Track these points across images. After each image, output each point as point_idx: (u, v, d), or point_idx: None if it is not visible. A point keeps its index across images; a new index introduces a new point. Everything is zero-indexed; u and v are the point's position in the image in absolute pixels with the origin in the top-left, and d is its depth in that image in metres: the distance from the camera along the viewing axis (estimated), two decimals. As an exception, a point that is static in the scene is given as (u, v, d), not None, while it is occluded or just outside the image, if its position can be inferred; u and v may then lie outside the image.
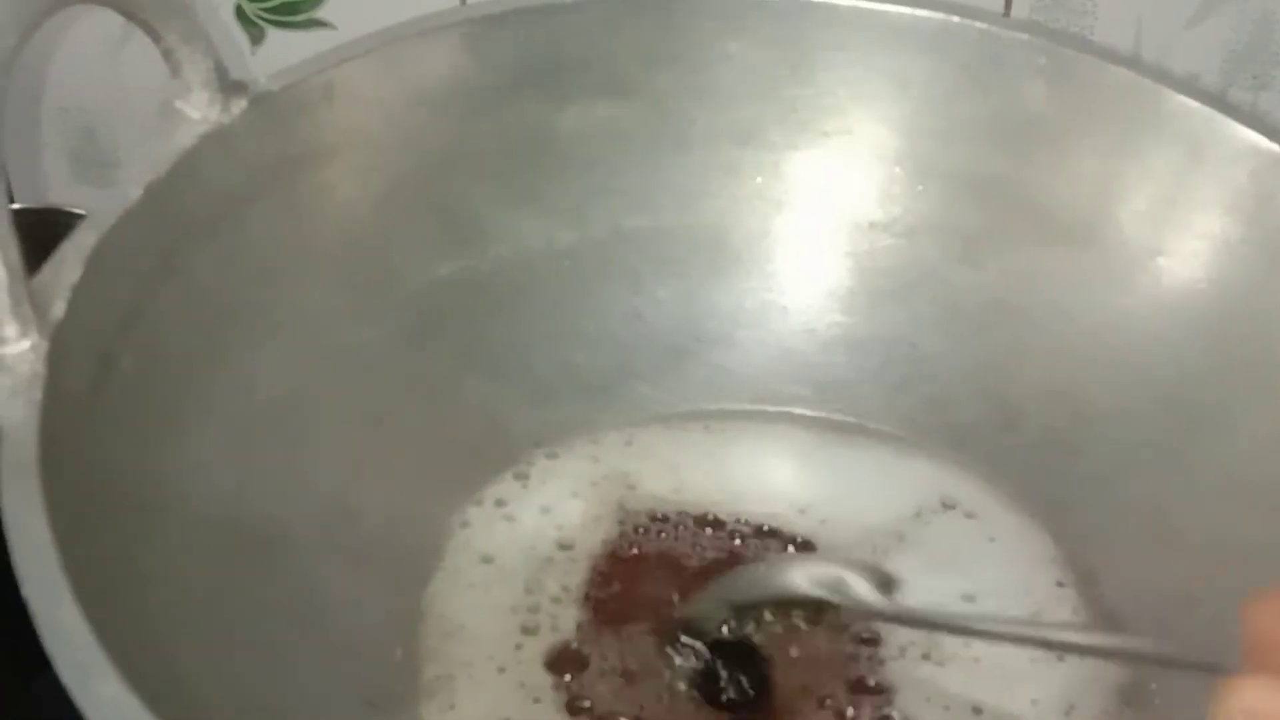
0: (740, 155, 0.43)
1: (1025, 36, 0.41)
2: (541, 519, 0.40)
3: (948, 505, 0.41)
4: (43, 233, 0.31)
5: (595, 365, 0.42)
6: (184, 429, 0.33)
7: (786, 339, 0.44)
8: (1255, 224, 0.39)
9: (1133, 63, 0.41)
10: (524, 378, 0.41)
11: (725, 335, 0.43)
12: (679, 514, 0.40)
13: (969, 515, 0.41)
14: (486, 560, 0.39)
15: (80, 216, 0.32)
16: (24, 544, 0.26)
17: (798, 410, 0.43)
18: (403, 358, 0.39)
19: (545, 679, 0.36)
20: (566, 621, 0.37)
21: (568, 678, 0.36)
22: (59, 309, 0.30)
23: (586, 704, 0.36)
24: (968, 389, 0.42)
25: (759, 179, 0.43)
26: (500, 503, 0.40)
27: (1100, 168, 0.41)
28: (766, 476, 0.42)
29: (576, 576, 0.39)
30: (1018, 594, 0.39)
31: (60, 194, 0.56)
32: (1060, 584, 0.39)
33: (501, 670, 0.36)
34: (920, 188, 0.42)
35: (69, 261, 0.31)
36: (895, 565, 0.39)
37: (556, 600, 0.38)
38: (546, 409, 0.41)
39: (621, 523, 0.40)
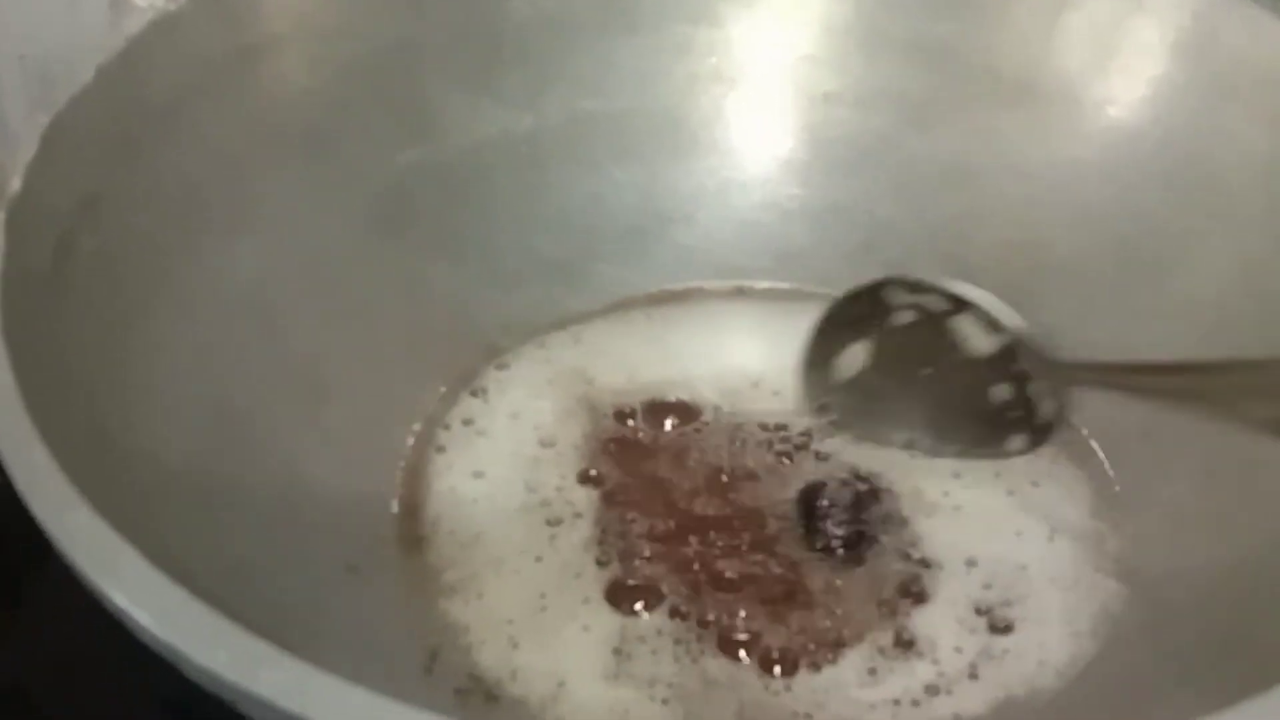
0: (691, 34, 0.43)
1: (964, -103, 0.41)
2: (514, 424, 0.40)
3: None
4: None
5: (559, 248, 0.43)
6: (152, 310, 0.33)
7: (746, 213, 0.44)
8: (1199, 64, 0.39)
9: (1073, -82, 0.41)
10: (489, 262, 0.42)
11: (686, 213, 0.44)
12: (639, 402, 0.41)
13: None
14: (477, 475, 0.39)
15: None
16: (-9, 397, 0.26)
17: (753, 283, 0.44)
18: (368, 245, 0.39)
19: (585, 559, 0.37)
20: (583, 507, 0.38)
21: (606, 556, 0.37)
22: (15, 184, 0.30)
23: (628, 578, 0.36)
24: (927, 251, 0.42)
25: (711, 57, 0.43)
26: (468, 421, 0.40)
27: (1044, 22, 0.41)
28: (714, 355, 0.42)
29: (571, 466, 0.39)
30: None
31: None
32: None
33: (539, 559, 0.37)
34: (871, 56, 0.43)
35: (24, 141, 0.31)
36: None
37: (560, 489, 0.39)
38: (512, 292, 0.42)
39: (591, 413, 0.40)
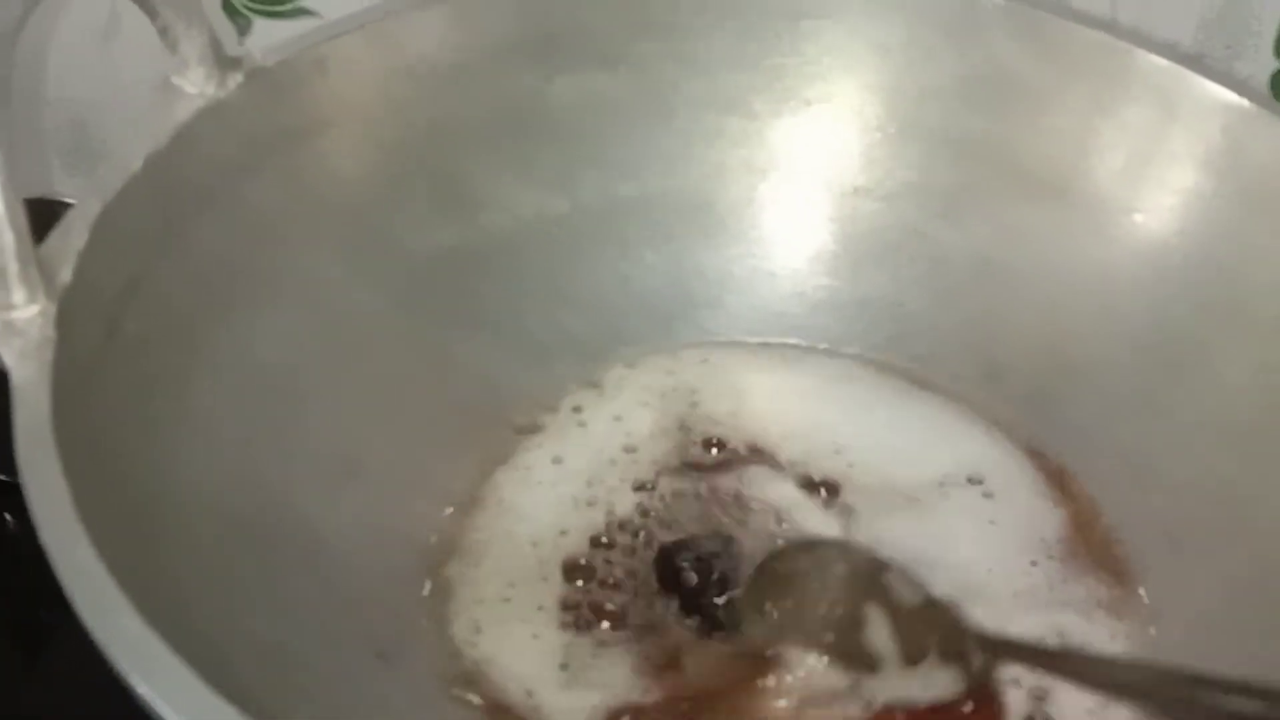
0: (725, 123, 0.44)
1: (1001, 1, 0.41)
2: (613, 426, 0.42)
3: (973, 480, 0.41)
4: (35, 222, 0.32)
5: (588, 330, 0.43)
6: (191, 390, 0.34)
7: (774, 303, 0.44)
8: (1227, 177, 0.40)
9: (1106, 24, 0.42)
10: (519, 342, 0.42)
11: (714, 299, 0.44)
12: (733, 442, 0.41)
13: (988, 495, 0.41)
14: (556, 461, 0.41)
15: (72, 206, 0.33)
16: (40, 493, 0.27)
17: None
18: (401, 323, 0.40)
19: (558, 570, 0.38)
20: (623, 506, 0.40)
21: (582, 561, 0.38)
22: (66, 275, 0.31)
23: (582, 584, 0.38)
24: (954, 345, 0.43)
25: (743, 147, 0.44)
26: (577, 409, 0.42)
27: (1077, 127, 0.42)
28: (818, 414, 0.43)
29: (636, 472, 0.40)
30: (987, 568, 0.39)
31: (51, 185, 0.57)
32: (1034, 563, 0.39)
33: (535, 544, 0.38)
34: (901, 151, 0.43)
35: (74, 229, 0.32)
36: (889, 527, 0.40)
37: (613, 490, 0.40)
38: (541, 372, 0.42)
39: (681, 433, 0.42)
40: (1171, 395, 0.40)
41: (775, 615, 0.37)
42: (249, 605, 0.32)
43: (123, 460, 0.31)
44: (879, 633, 0.36)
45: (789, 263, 0.45)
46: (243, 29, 0.51)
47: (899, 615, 0.37)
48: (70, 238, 0.32)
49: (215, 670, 0.25)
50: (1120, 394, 0.41)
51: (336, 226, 0.39)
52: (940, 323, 0.43)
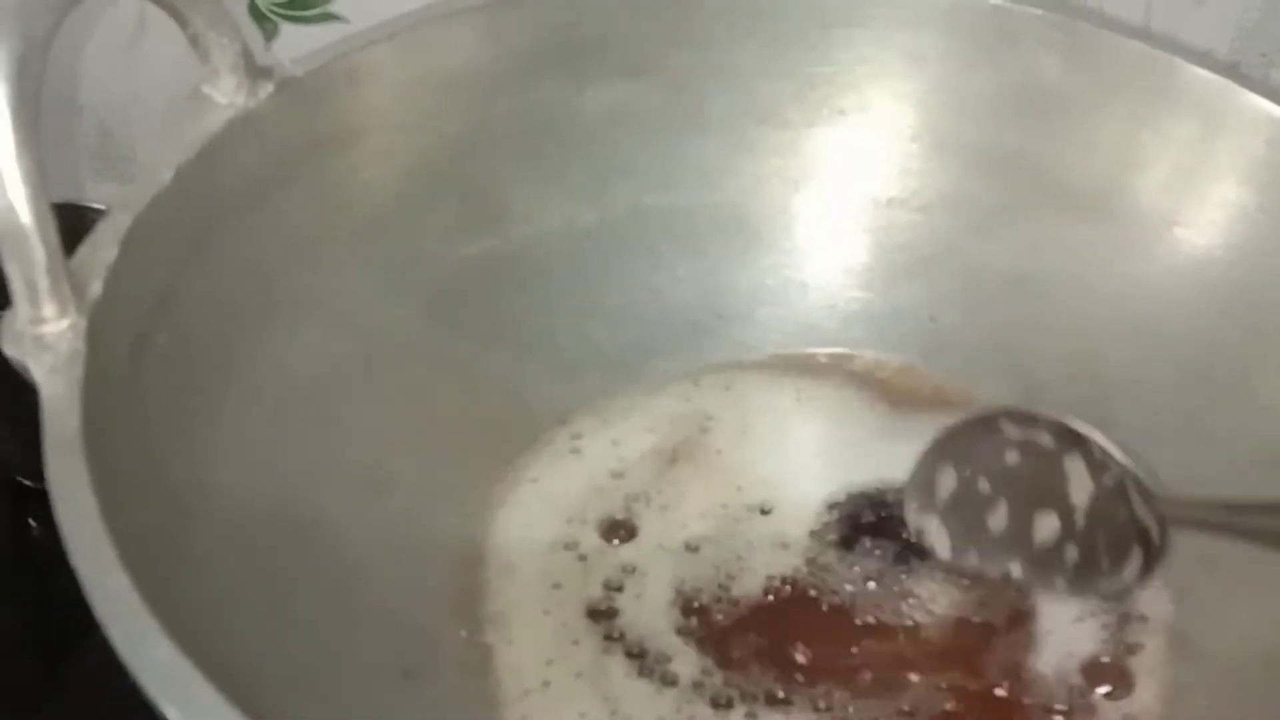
0: (758, 134, 0.43)
1: (1039, 11, 0.41)
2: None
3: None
4: (61, 227, 0.31)
5: (617, 342, 0.43)
6: (220, 405, 0.33)
7: (806, 314, 0.44)
8: (1271, 192, 0.39)
9: (1146, 36, 0.41)
10: (548, 354, 0.42)
11: (745, 312, 0.44)
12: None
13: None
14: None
15: (100, 211, 0.33)
16: (70, 514, 0.26)
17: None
18: (431, 335, 0.40)
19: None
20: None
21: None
22: (96, 288, 0.31)
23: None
24: (989, 361, 0.42)
25: (777, 157, 0.43)
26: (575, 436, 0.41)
27: (1117, 140, 0.41)
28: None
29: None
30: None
31: (77, 190, 0.56)
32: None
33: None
34: (937, 163, 0.43)
35: (104, 242, 0.32)
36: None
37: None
38: (570, 385, 0.42)
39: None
40: (1212, 415, 0.39)
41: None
42: (278, 623, 0.31)
43: (153, 476, 0.31)
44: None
45: (821, 275, 0.44)
46: (269, 34, 0.51)
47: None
48: (100, 251, 0.31)
49: (244, 692, 0.25)
50: (1159, 413, 0.40)
51: (368, 237, 0.39)
52: (975, 338, 0.43)
